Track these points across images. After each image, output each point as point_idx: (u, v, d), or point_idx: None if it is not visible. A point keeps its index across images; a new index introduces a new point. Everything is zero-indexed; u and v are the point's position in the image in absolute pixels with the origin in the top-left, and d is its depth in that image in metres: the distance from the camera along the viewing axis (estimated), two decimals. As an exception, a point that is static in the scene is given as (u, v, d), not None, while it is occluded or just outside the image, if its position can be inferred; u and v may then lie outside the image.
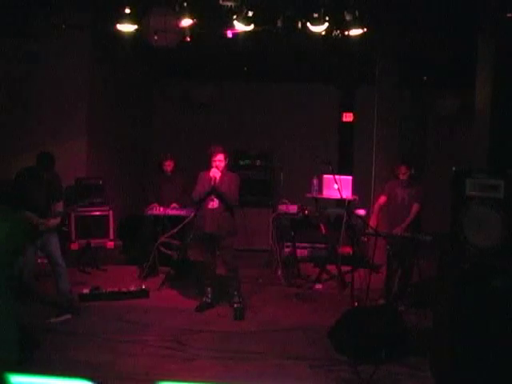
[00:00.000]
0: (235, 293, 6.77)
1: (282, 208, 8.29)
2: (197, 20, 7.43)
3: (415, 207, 7.03)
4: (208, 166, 6.72)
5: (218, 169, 6.63)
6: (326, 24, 7.37)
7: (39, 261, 6.85)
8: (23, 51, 8.54)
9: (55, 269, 6.41)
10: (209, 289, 6.89)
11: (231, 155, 7.64)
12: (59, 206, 6.45)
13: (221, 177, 6.63)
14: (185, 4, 7.25)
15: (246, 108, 11.33)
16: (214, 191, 6.64)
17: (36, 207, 6.14)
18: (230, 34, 7.74)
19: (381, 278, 7.28)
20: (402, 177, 7.10)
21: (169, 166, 8.33)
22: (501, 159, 7.62)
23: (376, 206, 7.40)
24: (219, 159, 6.65)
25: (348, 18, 7.36)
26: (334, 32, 7.64)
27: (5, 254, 4.04)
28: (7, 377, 3.17)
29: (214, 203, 6.67)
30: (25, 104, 8.73)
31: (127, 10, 7.34)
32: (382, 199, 7.33)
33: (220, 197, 6.64)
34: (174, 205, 8.08)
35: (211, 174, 6.62)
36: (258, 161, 10.32)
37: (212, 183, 6.60)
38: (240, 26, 7.41)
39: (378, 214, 7.31)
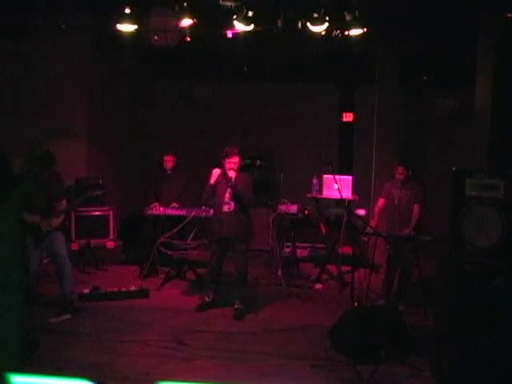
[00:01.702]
0: (238, 296, 6.70)
1: (282, 208, 8.28)
2: (197, 20, 7.44)
3: (416, 208, 7.04)
4: (219, 167, 6.62)
5: (233, 171, 6.52)
6: (326, 24, 7.39)
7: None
8: (23, 51, 8.53)
9: (61, 269, 6.40)
10: (211, 290, 6.85)
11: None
12: (62, 205, 6.43)
13: (235, 177, 6.53)
14: (185, 4, 7.27)
15: (246, 108, 11.31)
16: (229, 183, 6.51)
17: (38, 208, 6.13)
18: (230, 34, 7.74)
19: (381, 278, 7.29)
20: (398, 176, 7.10)
21: (169, 161, 8.16)
22: (501, 159, 7.63)
23: (376, 210, 7.41)
24: (235, 161, 6.53)
25: (348, 18, 7.37)
26: (334, 32, 7.65)
27: (13, 251, 4.05)
28: (8, 377, 3.18)
29: (230, 206, 6.59)
30: (25, 104, 8.72)
31: (127, 10, 7.36)
32: (381, 202, 7.34)
33: (236, 199, 6.56)
34: (174, 204, 7.98)
35: (214, 172, 6.54)
36: (258, 161, 10.31)
37: (228, 184, 6.51)
38: (240, 26, 7.42)
39: (379, 217, 7.32)
